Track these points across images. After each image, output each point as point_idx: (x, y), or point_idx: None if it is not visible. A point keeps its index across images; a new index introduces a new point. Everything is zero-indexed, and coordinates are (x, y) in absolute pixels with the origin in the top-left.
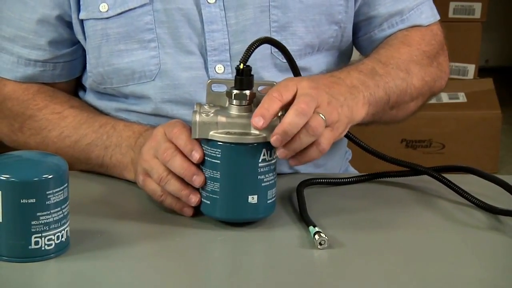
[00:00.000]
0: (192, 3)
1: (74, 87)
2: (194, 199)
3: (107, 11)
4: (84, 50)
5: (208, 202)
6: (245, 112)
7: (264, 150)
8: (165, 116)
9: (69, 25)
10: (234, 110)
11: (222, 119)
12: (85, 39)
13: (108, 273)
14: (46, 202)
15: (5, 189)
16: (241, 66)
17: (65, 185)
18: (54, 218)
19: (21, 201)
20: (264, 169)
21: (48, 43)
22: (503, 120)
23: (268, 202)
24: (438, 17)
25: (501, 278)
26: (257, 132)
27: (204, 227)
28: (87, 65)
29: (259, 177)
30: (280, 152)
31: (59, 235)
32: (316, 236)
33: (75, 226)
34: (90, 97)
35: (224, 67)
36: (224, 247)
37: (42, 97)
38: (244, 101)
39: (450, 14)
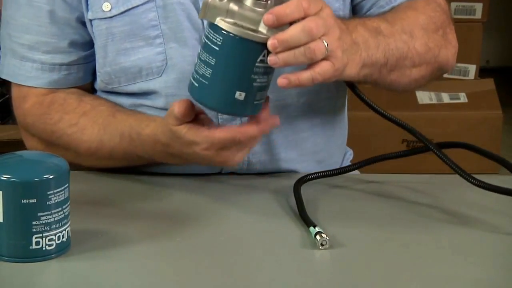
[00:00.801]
0: None
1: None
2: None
3: (110, 10)
4: None
5: (196, 85)
6: (259, 7)
7: (265, 52)
8: None
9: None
10: (249, 2)
11: (234, 7)
12: (94, 39)
13: (109, 273)
14: (47, 202)
15: (6, 189)
16: None
17: (66, 185)
18: (55, 218)
19: (22, 201)
20: (260, 70)
21: (71, 45)
22: (504, 120)
23: (255, 102)
24: None
25: (503, 279)
26: (264, 31)
27: (205, 228)
28: (96, 65)
29: (252, 76)
30: (271, 58)
31: (60, 235)
32: (318, 237)
33: (76, 226)
34: (103, 96)
35: None
36: (225, 247)
37: (55, 109)
38: None
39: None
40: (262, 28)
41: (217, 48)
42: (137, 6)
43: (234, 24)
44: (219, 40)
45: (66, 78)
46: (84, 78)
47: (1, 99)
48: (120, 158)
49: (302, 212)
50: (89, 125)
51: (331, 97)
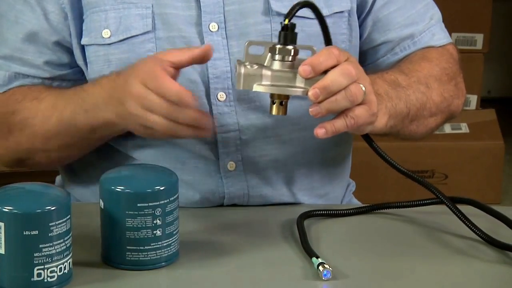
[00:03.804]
0: (195, 31)
1: None
2: (208, 120)
3: (109, 37)
4: (83, 74)
5: None
6: (288, 68)
7: None
8: (177, 144)
9: (68, 50)
10: (277, 66)
11: (267, 72)
12: (86, 65)
13: None
14: (49, 234)
15: (8, 221)
16: (286, 21)
17: (67, 217)
18: (57, 250)
19: (24, 233)
20: None
21: (45, 64)
22: (506, 150)
23: None
24: (450, 39)
25: None
26: (301, 85)
27: (207, 258)
28: None
29: None
30: (313, 109)
31: (61, 267)
32: (320, 268)
33: (77, 258)
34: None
35: (226, 95)
36: (227, 278)
37: (21, 91)
38: (287, 56)
39: None
40: (299, 83)
41: None
42: (136, 35)
43: (272, 85)
44: None
45: (39, 84)
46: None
47: None
48: (66, 121)
49: (305, 243)
50: (49, 95)
51: (339, 142)
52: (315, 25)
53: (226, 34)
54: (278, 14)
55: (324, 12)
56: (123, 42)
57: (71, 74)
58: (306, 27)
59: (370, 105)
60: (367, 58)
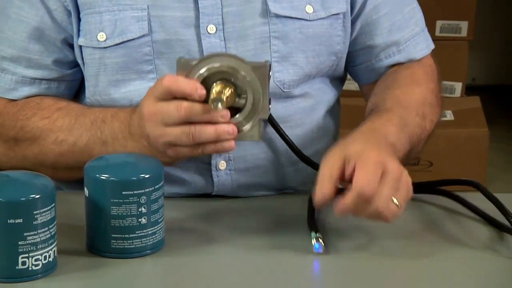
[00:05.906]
0: (192, 33)
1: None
2: (231, 129)
3: (105, 40)
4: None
5: None
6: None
7: None
8: None
9: (72, 47)
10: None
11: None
12: (84, 65)
13: None
14: (33, 222)
15: None
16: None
17: (52, 205)
18: (41, 238)
19: (8, 221)
20: None
21: (55, 63)
22: (491, 138)
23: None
24: (431, 47)
25: None
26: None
27: (193, 247)
28: (86, 91)
29: None
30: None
31: (46, 255)
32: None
33: (62, 246)
34: None
35: None
36: (214, 268)
37: (30, 107)
38: None
39: (437, 33)
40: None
41: None
42: (133, 39)
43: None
44: None
45: (45, 92)
46: (64, 94)
47: None
48: (82, 148)
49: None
50: (61, 116)
51: (326, 134)
52: (312, 26)
53: (224, 36)
54: (277, 16)
55: (321, 14)
56: (119, 46)
57: (76, 73)
58: (304, 29)
59: (409, 194)
60: (357, 59)
